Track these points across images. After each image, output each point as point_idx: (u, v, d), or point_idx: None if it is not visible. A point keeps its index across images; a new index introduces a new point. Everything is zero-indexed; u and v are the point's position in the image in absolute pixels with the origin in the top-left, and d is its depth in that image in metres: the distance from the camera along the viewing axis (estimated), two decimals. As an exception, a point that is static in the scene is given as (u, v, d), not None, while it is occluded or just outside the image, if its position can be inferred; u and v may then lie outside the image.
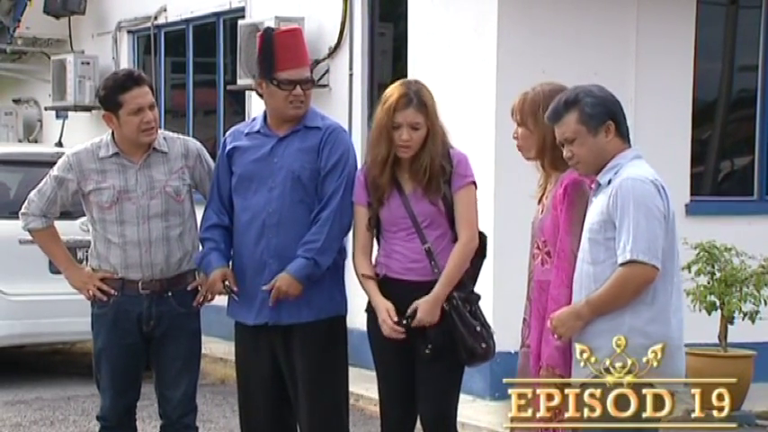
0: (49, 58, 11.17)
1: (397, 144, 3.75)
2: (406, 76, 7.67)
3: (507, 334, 7.04)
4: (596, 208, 3.26)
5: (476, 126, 7.06)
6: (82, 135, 8.98)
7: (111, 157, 4.19)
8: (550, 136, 3.37)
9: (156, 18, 10.18)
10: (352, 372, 7.73)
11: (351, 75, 8.07)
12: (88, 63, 10.65)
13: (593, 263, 3.22)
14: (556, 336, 3.23)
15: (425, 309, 3.69)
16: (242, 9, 9.17)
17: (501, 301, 6.80)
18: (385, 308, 3.78)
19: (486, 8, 6.97)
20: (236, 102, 9.41)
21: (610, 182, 3.24)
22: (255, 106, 9.11)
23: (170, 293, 4.16)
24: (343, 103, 8.14)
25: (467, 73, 7.15)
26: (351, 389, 7.17)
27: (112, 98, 4.12)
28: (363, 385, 7.25)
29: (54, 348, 8.53)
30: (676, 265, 3.26)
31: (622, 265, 3.14)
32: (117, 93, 4.11)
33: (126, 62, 10.72)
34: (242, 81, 8.54)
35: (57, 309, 7.00)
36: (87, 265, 4.30)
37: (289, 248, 3.95)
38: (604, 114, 3.28)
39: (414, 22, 7.60)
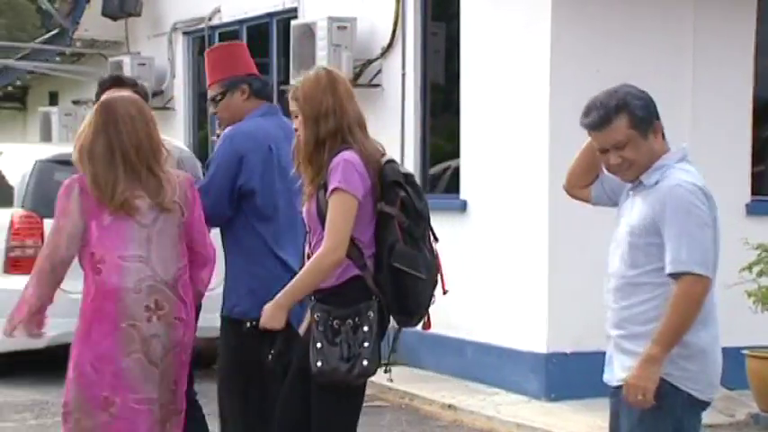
0: (107, 59, 11.33)
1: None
2: (458, 75, 7.66)
3: (562, 335, 7.01)
4: (639, 210, 3.15)
5: (529, 126, 7.01)
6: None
7: None
8: None
9: (210, 19, 10.27)
10: (406, 371, 7.75)
11: (403, 74, 8.07)
12: (144, 64, 10.78)
13: (631, 266, 3.15)
14: (641, 396, 3.04)
15: (265, 311, 3.50)
16: (295, 9, 9.21)
17: (555, 302, 6.75)
18: None
19: (539, 6, 6.91)
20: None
21: (657, 183, 3.14)
22: (308, 106, 9.14)
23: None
24: (395, 102, 8.13)
25: (519, 72, 7.10)
26: (405, 388, 7.22)
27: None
28: (417, 385, 7.25)
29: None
30: (715, 276, 3.14)
31: (674, 276, 3.03)
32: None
33: (180, 63, 10.83)
34: (294, 81, 8.56)
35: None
36: None
37: None
38: (652, 115, 3.18)
39: (466, 21, 7.57)
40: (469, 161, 7.53)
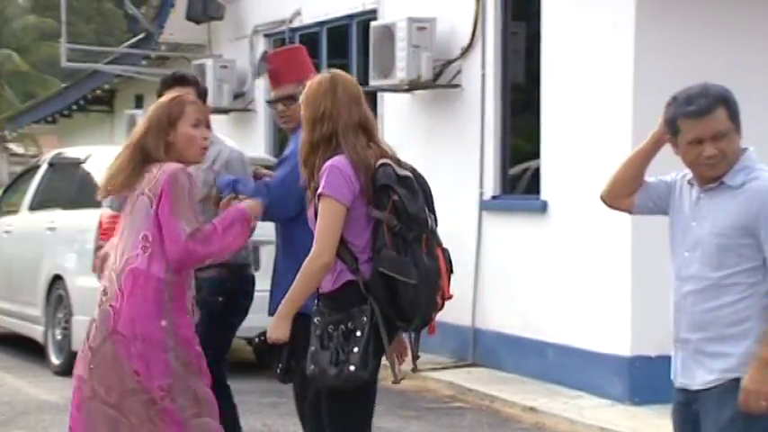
0: (190, 62, 11.53)
1: None
2: (538, 74, 7.59)
3: (646, 338, 6.88)
4: (727, 212, 3.10)
5: (612, 125, 6.91)
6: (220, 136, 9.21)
7: None
8: None
9: (290, 21, 10.36)
10: (485, 372, 7.71)
11: (483, 75, 8.03)
12: (226, 66, 10.94)
13: (718, 268, 3.10)
14: (764, 402, 2.99)
15: (271, 325, 3.50)
16: (374, 11, 9.24)
17: (639, 304, 6.65)
18: None
19: (623, 3, 6.82)
20: (368, 103, 9.47)
21: (743, 184, 3.11)
22: (388, 107, 9.17)
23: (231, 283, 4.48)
24: (475, 103, 8.10)
25: (602, 71, 7.01)
26: (485, 390, 7.19)
27: (160, 95, 4.37)
28: (497, 387, 7.21)
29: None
30: None
31: None
32: (162, 90, 4.37)
33: (262, 65, 10.96)
34: (374, 82, 8.60)
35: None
36: None
37: None
38: (738, 115, 3.16)
39: (547, 19, 7.50)
40: (550, 161, 7.46)
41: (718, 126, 3.11)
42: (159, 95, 4.25)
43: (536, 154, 7.64)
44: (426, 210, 3.55)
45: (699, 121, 3.13)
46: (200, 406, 3.58)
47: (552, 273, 7.30)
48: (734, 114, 3.14)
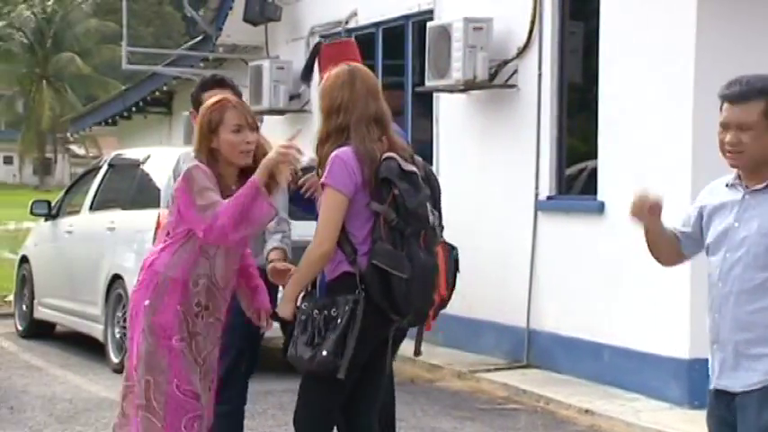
0: (247, 64, 11.62)
1: None
2: (596, 74, 7.52)
3: (705, 341, 6.77)
4: None
5: (671, 125, 6.82)
6: (276, 137, 9.27)
7: None
8: None
9: (346, 22, 10.40)
10: (540, 374, 7.66)
11: (539, 75, 7.98)
12: (282, 68, 11.01)
13: (764, 268, 3.06)
14: None
15: (279, 304, 3.69)
16: (430, 11, 9.23)
17: (697, 307, 6.55)
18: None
19: (684, 1, 6.72)
20: (424, 104, 9.48)
21: None
22: (443, 108, 9.16)
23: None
24: (531, 103, 8.05)
25: (662, 70, 6.92)
26: (540, 391, 7.14)
27: (196, 96, 4.42)
28: (552, 388, 7.16)
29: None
30: None
31: None
32: (201, 92, 4.38)
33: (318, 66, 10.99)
34: (430, 83, 8.59)
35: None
36: None
37: None
38: None
39: (606, 18, 7.42)
40: (607, 161, 7.39)
41: (746, 117, 3.07)
42: (196, 98, 4.28)
43: (592, 154, 7.57)
44: (429, 206, 3.60)
45: (730, 107, 3.11)
46: (151, 401, 3.60)
47: (609, 274, 7.23)
48: None
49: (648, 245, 3.36)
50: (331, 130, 3.59)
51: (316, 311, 3.53)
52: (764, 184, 3.12)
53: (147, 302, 3.62)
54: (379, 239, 3.49)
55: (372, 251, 3.49)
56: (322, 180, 3.53)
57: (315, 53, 4.39)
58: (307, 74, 4.67)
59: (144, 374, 3.59)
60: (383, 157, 3.54)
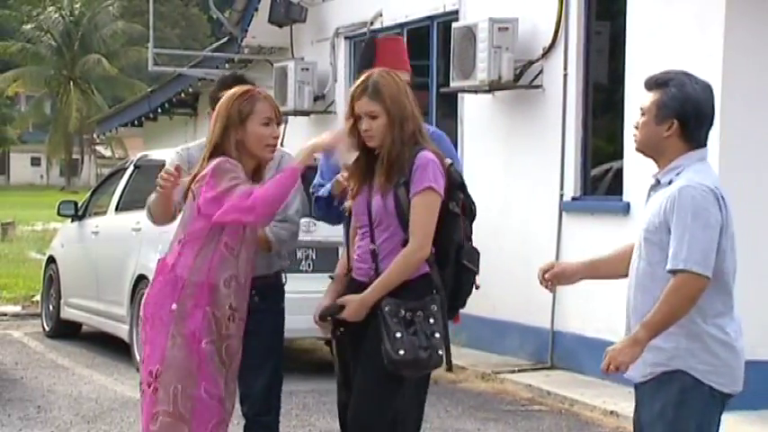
0: (272, 65, 11.66)
1: (361, 134, 3.67)
2: (623, 75, 7.48)
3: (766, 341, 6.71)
4: (654, 207, 3.25)
5: (697, 125, 6.77)
6: (301, 138, 9.31)
7: None
8: None
9: (372, 23, 10.41)
10: (565, 375, 7.61)
11: (565, 75, 7.95)
12: (307, 69, 11.04)
13: (648, 263, 3.21)
14: (613, 368, 3.22)
15: (352, 308, 3.58)
16: (456, 12, 9.22)
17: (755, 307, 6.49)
18: (318, 304, 3.75)
19: (712, 0, 6.67)
20: (449, 104, 9.47)
21: (670, 182, 3.22)
22: (468, 108, 9.14)
23: (253, 291, 3.96)
24: (556, 104, 8.02)
25: (689, 70, 6.83)
26: (564, 393, 7.11)
27: (215, 96, 4.30)
28: (577, 390, 7.13)
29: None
30: (726, 272, 3.17)
31: (673, 272, 3.11)
32: (219, 91, 4.28)
33: (343, 67, 11.02)
34: (455, 83, 8.58)
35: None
36: None
37: None
38: (673, 112, 3.24)
39: (633, 18, 7.38)
40: (633, 162, 7.34)
41: (643, 104, 3.32)
42: (214, 96, 4.21)
43: (618, 154, 7.53)
44: None
45: (646, 92, 3.34)
46: (178, 407, 3.51)
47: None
48: (661, 104, 3.26)
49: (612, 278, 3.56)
50: (408, 137, 3.59)
51: (409, 314, 3.54)
52: (654, 180, 3.34)
53: (173, 307, 3.53)
54: (465, 240, 3.64)
55: (462, 251, 3.63)
56: (426, 184, 3.53)
57: (371, 49, 4.36)
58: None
59: (172, 382, 3.51)
60: (447, 162, 3.66)
